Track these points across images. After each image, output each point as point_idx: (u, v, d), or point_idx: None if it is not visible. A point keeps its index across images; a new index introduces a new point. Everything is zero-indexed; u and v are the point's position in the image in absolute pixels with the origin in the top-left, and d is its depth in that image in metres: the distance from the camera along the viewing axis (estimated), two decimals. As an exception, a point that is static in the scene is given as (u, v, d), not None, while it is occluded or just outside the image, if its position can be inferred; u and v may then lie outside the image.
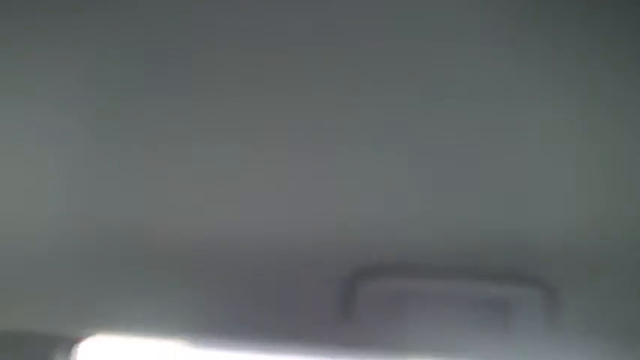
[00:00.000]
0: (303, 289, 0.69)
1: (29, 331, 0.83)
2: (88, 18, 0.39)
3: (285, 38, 0.40)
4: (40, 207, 0.61)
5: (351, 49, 0.41)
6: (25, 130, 0.49)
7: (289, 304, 0.71)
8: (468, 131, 0.48)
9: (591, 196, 0.55)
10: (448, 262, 0.65)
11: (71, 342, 0.85)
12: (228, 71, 0.43)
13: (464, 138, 0.48)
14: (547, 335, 0.71)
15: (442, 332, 0.73)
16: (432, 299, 0.70)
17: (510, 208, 0.57)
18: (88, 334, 0.85)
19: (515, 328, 0.71)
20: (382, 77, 0.43)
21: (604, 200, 0.55)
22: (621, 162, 0.50)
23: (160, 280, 0.73)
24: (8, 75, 0.43)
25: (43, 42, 0.41)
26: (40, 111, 0.47)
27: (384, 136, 0.48)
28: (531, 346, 0.73)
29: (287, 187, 0.53)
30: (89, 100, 0.44)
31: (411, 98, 0.45)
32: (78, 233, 0.66)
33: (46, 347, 0.83)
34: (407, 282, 0.67)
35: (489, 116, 0.46)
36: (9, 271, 0.75)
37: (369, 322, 0.71)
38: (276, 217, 0.57)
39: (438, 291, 0.69)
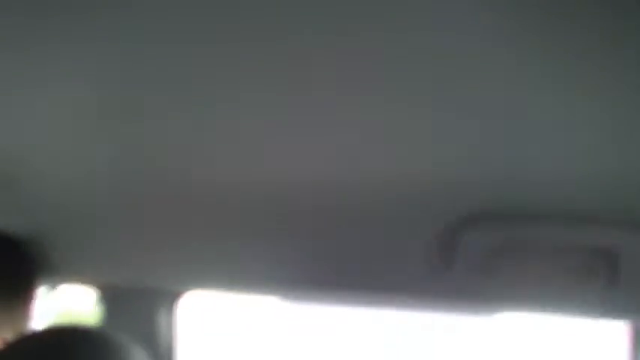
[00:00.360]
0: (400, 240, 0.68)
1: (134, 287, 0.87)
2: None
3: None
4: (139, 170, 0.63)
5: None
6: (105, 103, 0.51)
7: (386, 255, 0.71)
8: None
9: None
10: (553, 210, 0.62)
11: (173, 297, 0.89)
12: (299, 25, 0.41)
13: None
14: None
15: (545, 285, 0.71)
16: (536, 249, 0.67)
17: (626, 151, 0.52)
18: (189, 289, 0.89)
19: (626, 281, 0.67)
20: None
21: None
22: None
23: (255, 235, 0.74)
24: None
25: None
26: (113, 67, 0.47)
27: (481, 85, 0.45)
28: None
29: (387, 133, 0.51)
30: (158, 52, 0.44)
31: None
32: (176, 193, 0.67)
33: (151, 302, 0.87)
34: (510, 231, 0.64)
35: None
36: (115, 232, 0.78)
37: (469, 273, 0.69)
38: (376, 165, 0.56)
39: (542, 240, 0.66)
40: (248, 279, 0.83)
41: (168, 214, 0.71)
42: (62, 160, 0.63)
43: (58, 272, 0.87)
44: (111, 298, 0.89)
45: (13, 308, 0.66)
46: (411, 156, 0.54)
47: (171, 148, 0.57)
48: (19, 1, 0.40)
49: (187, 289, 0.88)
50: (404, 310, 0.88)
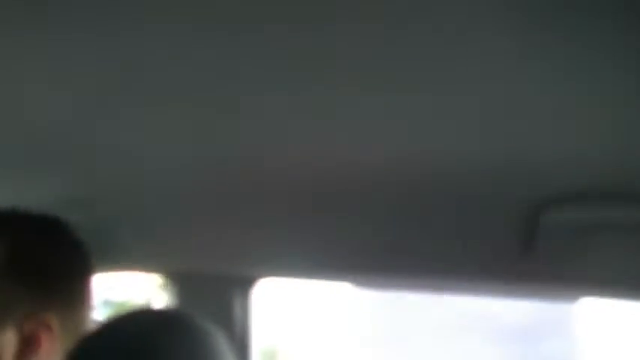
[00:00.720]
0: (478, 223, 0.66)
1: (208, 274, 0.88)
2: None
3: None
4: (212, 156, 0.63)
5: None
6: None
7: (463, 239, 0.69)
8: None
9: None
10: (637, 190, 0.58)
11: (248, 283, 0.90)
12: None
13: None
14: None
15: (630, 268, 0.67)
16: (621, 231, 0.63)
17: None
18: (264, 276, 0.90)
19: None
20: None
21: None
22: None
23: (328, 221, 0.74)
24: None
25: None
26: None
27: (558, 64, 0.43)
28: None
29: (463, 110, 0.49)
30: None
31: None
32: (250, 179, 0.68)
33: (225, 289, 0.89)
34: (594, 212, 0.61)
35: None
36: (188, 219, 0.80)
37: (551, 256, 0.66)
38: (451, 143, 0.54)
39: (627, 222, 0.62)
40: (321, 265, 0.83)
41: (242, 200, 0.72)
42: (133, 147, 0.64)
43: (130, 261, 0.90)
44: (183, 285, 0.91)
45: (75, 297, 0.68)
46: (489, 134, 0.52)
47: (244, 133, 0.57)
48: None
49: (262, 276, 0.89)
50: (481, 295, 0.85)
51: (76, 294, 0.68)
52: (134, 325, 0.56)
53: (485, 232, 0.66)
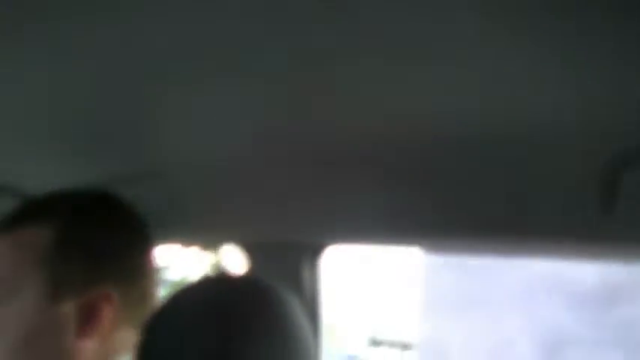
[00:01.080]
0: (553, 181, 0.63)
1: (277, 242, 0.90)
2: None
3: None
4: (281, 126, 0.63)
5: None
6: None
7: (536, 198, 0.66)
8: None
9: None
10: None
11: (316, 250, 0.90)
12: None
13: None
14: None
15: None
16: None
17: None
18: (332, 243, 0.90)
19: None
20: None
21: None
22: None
23: (395, 185, 0.73)
24: None
25: None
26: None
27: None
28: None
29: (538, 64, 0.47)
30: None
31: None
32: (317, 147, 0.67)
33: (294, 256, 0.90)
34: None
35: None
36: (257, 188, 0.80)
37: (632, 217, 0.62)
38: (524, 97, 0.51)
39: None
40: (390, 230, 0.82)
41: (309, 168, 0.72)
42: (200, 120, 0.65)
43: (198, 233, 0.92)
44: (251, 255, 0.93)
45: (134, 270, 0.70)
46: (565, 87, 0.49)
47: (313, 100, 0.57)
48: None
49: (330, 243, 0.90)
50: (558, 258, 0.83)
51: (135, 267, 0.70)
52: (210, 290, 0.58)
53: (562, 192, 0.63)
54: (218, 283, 0.59)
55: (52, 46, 0.53)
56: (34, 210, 0.69)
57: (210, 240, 0.97)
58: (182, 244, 0.86)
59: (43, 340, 0.64)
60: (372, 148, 0.65)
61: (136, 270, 0.70)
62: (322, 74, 0.52)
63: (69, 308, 0.64)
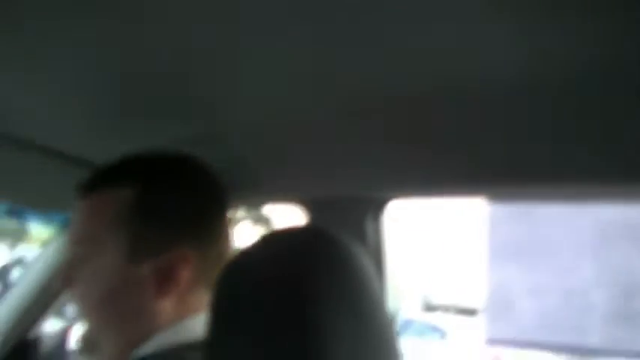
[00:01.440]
0: (625, 122, 0.61)
1: (339, 198, 0.90)
2: None
3: None
4: (338, 81, 0.63)
5: None
6: None
7: (607, 141, 0.64)
8: None
9: None
10: None
11: (379, 204, 0.90)
12: None
13: None
14: None
15: None
16: None
17: None
18: (394, 197, 0.90)
19: None
20: None
21: None
22: None
23: (456, 136, 0.71)
24: None
25: None
26: None
27: None
28: None
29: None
30: None
31: None
32: (378, 102, 0.66)
33: (356, 211, 0.90)
34: None
35: None
36: (318, 145, 0.81)
37: None
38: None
39: None
40: (453, 181, 0.81)
41: (370, 122, 0.71)
42: (260, 80, 0.65)
43: (264, 193, 0.93)
44: (315, 211, 0.93)
45: (211, 232, 0.71)
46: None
47: (371, 54, 0.56)
48: None
49: (393, 197, 0.90)
50: (626, 203, 0.80)
51: (212, 229, 0.71)
52: (281, 242, 0.59)
53: (628, 132, 0.61)
54: (288, 235, 0.60)
55: (123, 15, 0.54)
56: (114, 173, 0.71)
57: (273, 200, 0.98)
58: (245, 206, 0.87)
59: (123, 298, 0.66)
60: (427, 99, 0.64)
61: (213, 231, 0.71)
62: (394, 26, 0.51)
63: (147, 269, 0.66)
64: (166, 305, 0.66)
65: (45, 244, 1.43)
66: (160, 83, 0.69)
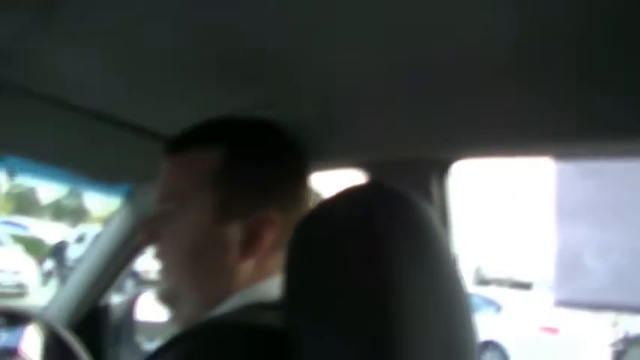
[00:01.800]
0: None
1: (407, 159, 0.89)
2: None
3: None
4: (399, 46, 0.62)
5: None
6: None
7: None
8: None
9: None
10: None
11: (445, 165, 0.89)
12: None
13: None
14: None
15: None
16: None
17: None
18: (460, 158, 0.88)
19: None
20: None
21: None
22: None
23: (519, 95, 0.70)
24: None
25: None
26: None
27: None
28: None
29: None
30: None
31: None
32: (439, 64, 0.66)
33: (422, 172, 0.89)
34: None
35: None
36: (382, 108, 0.80)
37: None
38: None
39: None
40: (519, 141, 0.80)
41: (435, 82, 0.70)
42: (330, 41, 0.64)
43: (325, 158, 0.93)
44: (381, 174, 0.93)
45: (294, 194, 0.72)
46: None
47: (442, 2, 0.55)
48: None
49: (458, 157, 0.88)
50: None
51: (295, 191, 0.72)
52: (355, 197, 0.59)
53: None
54: (360, 191, 0.60)
55: None
56: (205, 133, 0.72)
57: (336, 165, 0.98)
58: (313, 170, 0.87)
59: (208, 258, 0.68)
60: (497, 56, 0.63)
61: (296, 194, 0.72)
62: None
63: (234, 230, 0.67)
64: (248, 266, 0.67)
65: (105, 221, 1.48)
66: (230, 49, 0.69)
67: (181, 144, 0.72)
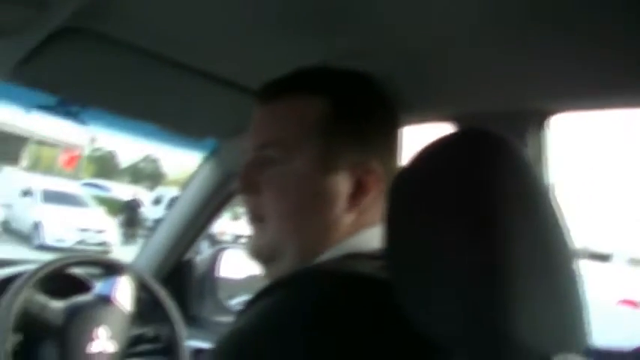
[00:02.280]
0: None
1: (503, 111, 0.86)
2: None
3: None
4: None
5: None
6: None
7: None
8: None
9: None
10: None
11: (541, 118, 0.85)
12: None
13: None
14: None
15: None
16: None
17: None
18: (557, 111, 0.84)
19: None
20: None
21: None
22: None
23: (613, 45, 0.65)
24: None
25: None
26: None
27: None
28: None
29: None
30: None
31: None
32: (537, 12, 0.62)
33: (518, 125, 0.85)
34: None
35: None
36: (474, 60, 0.77)
37: None
38: None
39: None
40: (615, 92, 0.75)
41: (534, 29, 0.66)
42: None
43: (414, 112, 0.91)
44: (473, 126, 0.90)
45: (392, 145, 0.71)
46: None
47: None
48: None
49: (555, 110, 0.84)
50: None
51: (392, 142, 0.71)
52: (453, 144, 0.57)
53: None
54: (463, 138, 0.58)
55: None
56: (307, 81, 0.70)
57: (426, 118, 0.96)
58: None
59: (314, 208, 0.66)
60: (594, 4, 0.59)
61: (394, 145, 0.71)
62: None
63: (340, 180, 0.66)
64: (350, 218, 0.66)
65: (181, 184, 1.51)
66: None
67: (285, 90, 0.70)
